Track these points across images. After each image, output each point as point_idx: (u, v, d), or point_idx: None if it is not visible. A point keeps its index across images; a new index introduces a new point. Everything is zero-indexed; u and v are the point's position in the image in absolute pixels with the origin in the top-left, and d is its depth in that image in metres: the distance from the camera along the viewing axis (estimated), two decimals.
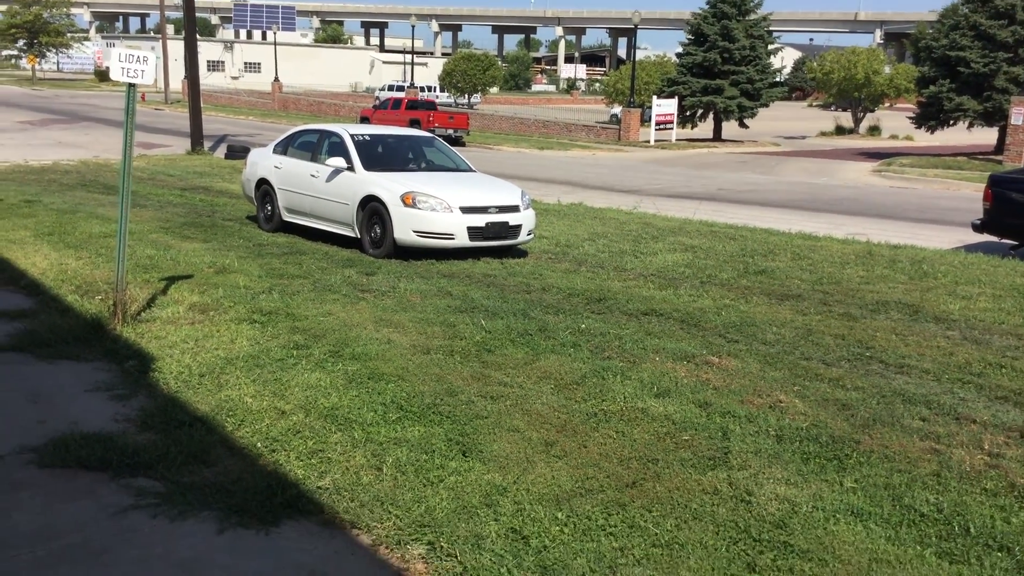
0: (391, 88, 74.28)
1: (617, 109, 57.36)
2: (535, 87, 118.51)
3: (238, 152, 27.80)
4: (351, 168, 12.12)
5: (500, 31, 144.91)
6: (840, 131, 50.22)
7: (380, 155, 12.67)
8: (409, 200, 11.31)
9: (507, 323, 8.14)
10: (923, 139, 46.24)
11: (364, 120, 42.98)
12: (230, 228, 13.78)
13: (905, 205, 20.89)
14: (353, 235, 12.12)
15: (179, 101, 67.35)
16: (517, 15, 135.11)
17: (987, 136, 39.27)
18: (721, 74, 39.88)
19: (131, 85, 7.90)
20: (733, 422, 5.76)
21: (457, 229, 11.27)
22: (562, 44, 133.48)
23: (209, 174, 22.62)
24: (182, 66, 76.35)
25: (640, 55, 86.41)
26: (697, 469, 5.06)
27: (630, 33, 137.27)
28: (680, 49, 43.40)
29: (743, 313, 8.78)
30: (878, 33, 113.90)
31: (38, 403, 6.28)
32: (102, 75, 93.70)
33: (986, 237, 14.13)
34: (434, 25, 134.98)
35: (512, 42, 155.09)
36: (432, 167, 13.00)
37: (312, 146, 13.21)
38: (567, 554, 4.15)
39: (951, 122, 33.52)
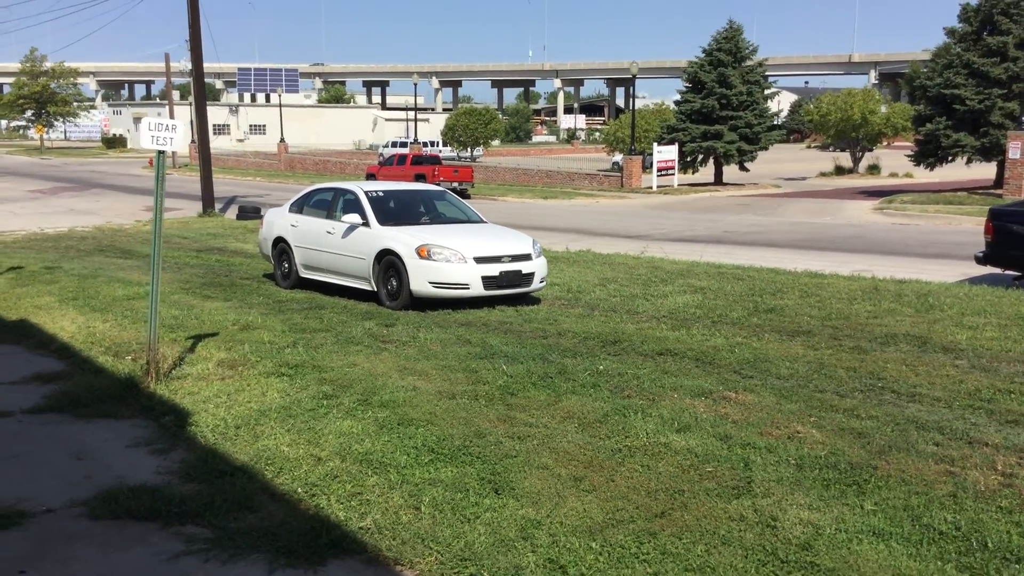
0: (394, 144, 75.24)
1: (618, 157, 58.03)
2: (536, 138, 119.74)
3: (249, 213, 28.26)
4: (366, 223, 12.46)
5: (499, 85, 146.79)
6: (839, 171, 50.70)
7: (394, 210, 13.02)
8: (424, 252, 11.62)
9: (527, 367, 8.37)
10: (922, 176, 46.62)
11: (371, 176, 43.62)
12: (248, 286, 14.09)
13: (908, 241, 21.18)
14: (370, 288, 12.41)
15: (187, 165, 68.28)
16: (516, 69, 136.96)
17: (985, 171, 39.64)
18: (720, 119, 40.48)
19: (161, 152, 8.26)
20: (754, 453, 5.97)
21: (472, 279, 11.57)
22: (561, 95, 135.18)
23: (223, 235, 23.02)
24: (188, 130, 77.64)
25: (638, 104, 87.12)
26: (722, 498, 5.27)
27: (627, 83, 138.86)
28: (678, 97, 44.08)
29: (756, 350, 9.01)
30: (872, 74, 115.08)
31: (82, 459, 6.52)
32: (109, 142, 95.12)
33: (989, 269, 14.37)
34: (434, 82, 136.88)
35: (511, 95, 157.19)
36: (444, 219, 13.33)
37: (327, 204, 13.57)
38: None
39: (949, 158, 33.98)
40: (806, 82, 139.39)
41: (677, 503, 5.21)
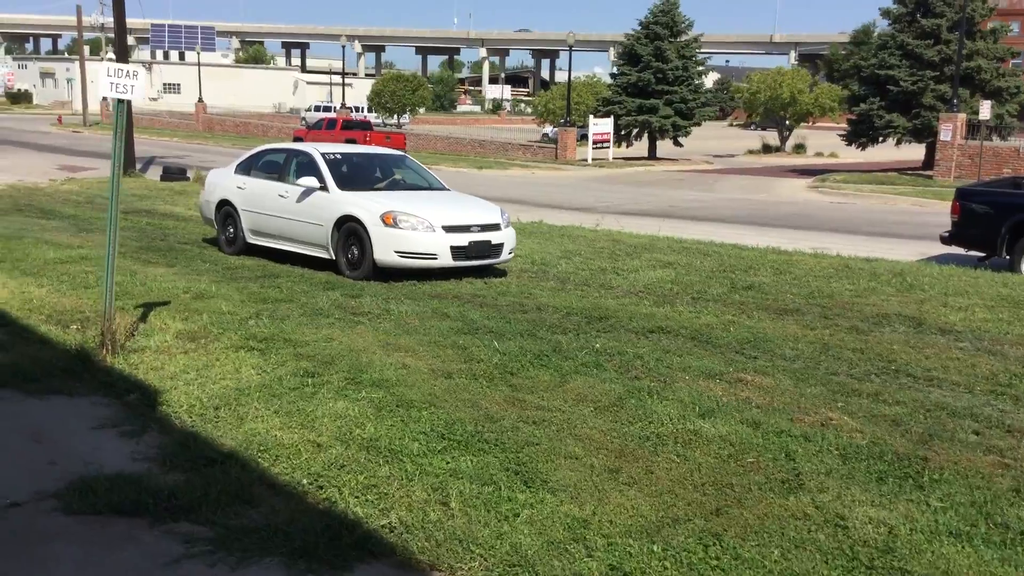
0: (317, 108, 73.42)
1: (549, 129, 57.55)
2: (460, 107, 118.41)
3: (175, 174, 27.01)
4: (324, 188, 11.74)
5: (424, 52, 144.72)
6: (767, 149, 51.15)
7: (353, 174, 12.32)
8: (390, 220, 10.97)
9: (519, 344, 7.87)
10: (848, 156, 47.44)
11: (298, 140, 42.28)
12: (189, 252, 13.24)
13: (854, 219, 21.24)
14: (327, 257, 11.72)
15: (98, 123, 65.55)
16: (441, 36, 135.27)
17: (912, 152, 40.34)
18: (655, 94, 40.27)
19: (121, 102, 7.45)
20: (792, 442, 5.59)
21: (440, 249, 10.98)
22: (486, 65, 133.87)
23: (149, 197, 21.86)
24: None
25: (565, 76, 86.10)
26: (776, 493, 4.87)
27: (552, 55, 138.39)
28: (601, 70, 43.82)
29: (751, 329, 8.66)
30: (792, 55, 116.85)
31: (42, 443, 5.79)
32: (14, 98, 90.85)
33: (950, 249, 14.37)
34: (357, 46, 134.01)
35: (435, 63, 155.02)
36: (405, 185, 12.68)
37: (279, 166, 12.78)
38: None
39: (881, 139, 34.39)
40: (727, 61, 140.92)
41: (730, 499, 4.79)
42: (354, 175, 12.32)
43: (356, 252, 11.28)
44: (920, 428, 5.87)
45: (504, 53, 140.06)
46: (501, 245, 11.49)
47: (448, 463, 5.25)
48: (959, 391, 6.79)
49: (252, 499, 4.87)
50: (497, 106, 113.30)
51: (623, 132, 41.46)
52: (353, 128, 41.37)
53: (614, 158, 40.45)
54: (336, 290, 10.38)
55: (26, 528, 4.60)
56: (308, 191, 11.87)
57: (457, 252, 11.07)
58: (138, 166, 29.59)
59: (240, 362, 7.30)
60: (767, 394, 6.53)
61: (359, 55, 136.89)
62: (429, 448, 5.46)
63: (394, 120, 69.73)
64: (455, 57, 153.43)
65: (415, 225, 10.99)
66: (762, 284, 11.06)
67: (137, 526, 4.61)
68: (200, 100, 64.41)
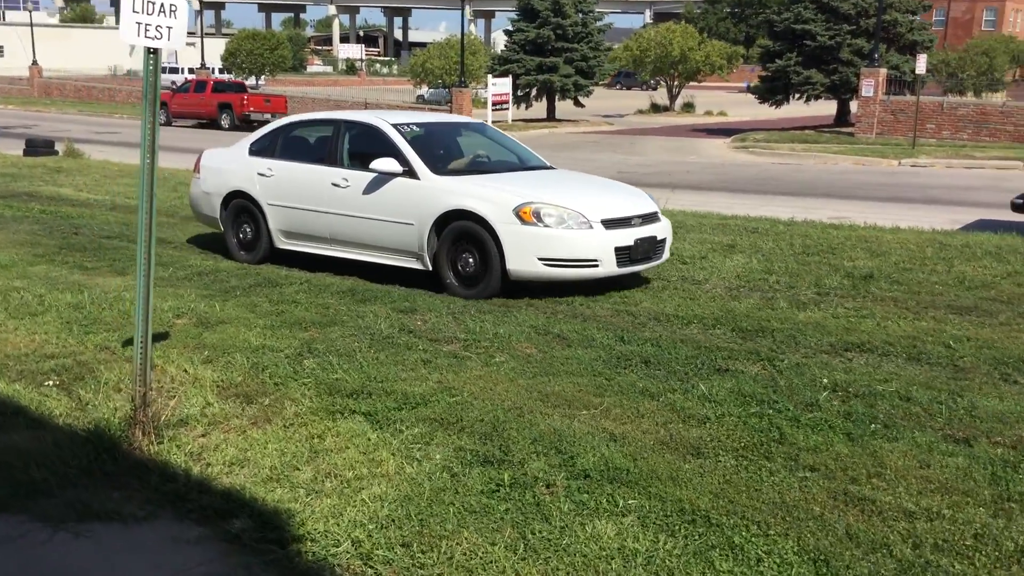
0: (165, 70, 67.63)
1: (425, 90, 54.65)
2: (310, 68, 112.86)
3: (40, 147, 23.24)
4: (410, 173, 8.68)
5: (267, 9, 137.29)
6: (656, 108, 49.95)
7: (441, 152, 9.41)
8: (529, 215, 8.06)
9: (719, 385, 5.72)
10: (736, 114, 47.01)
11: (163, 105, 38.05)
12: (128, 251, 10.33)
13: (834, 183, 19.74)
14: (420, 267, 8.74)
15: None
16: None
17: (818, 109, 39.21)
18: (555, 51, 38.17)
19: (150, 51, 4.76)
20: None
21: (604, 252, 8.12)
22: (336, 23, 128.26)
23: (20, 176, 18.31)
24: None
25: (436, 36, 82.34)
26: None
27: (405, 13, 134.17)
28: (509, 26, 41.44)
29: (968, 342, 6.76)
30: (648, 13, 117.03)
31: None
32: None
33: (983, 214, 13.17)
34: (195, 3, 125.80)
35: (278, 22, 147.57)
36: (496, 165, 9.72)
37: (324, 144, 9.62)
38: None
39: (798, 96, 33.47)
40: None
41: None
42: (442, 154, 9.43)
43: (473, 262, 8.33)
44: None
45: (355, 11, 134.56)
46: (664, 241, 8.82)
47: None
48: None
49: None
50: (351, 67, 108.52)
51: (521, 93, 39.24)
52: (226, 90, 37.56)
53: (513, 120, 38.24)
54: (376, 303, 7.91)
55: None
56: (383, 178, 8.78)
57: (621, 255, 8.22)
58: None
59: (361, 444, 4.86)
60: None
61: (198, 13, 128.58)
62: None
63: (250, 81, 65.08)
64: (300, 15, 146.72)
65: (564, 218, 8.09)
66: (881, 271, 9.23)
67: None
68: (34, 63, 58.40)
